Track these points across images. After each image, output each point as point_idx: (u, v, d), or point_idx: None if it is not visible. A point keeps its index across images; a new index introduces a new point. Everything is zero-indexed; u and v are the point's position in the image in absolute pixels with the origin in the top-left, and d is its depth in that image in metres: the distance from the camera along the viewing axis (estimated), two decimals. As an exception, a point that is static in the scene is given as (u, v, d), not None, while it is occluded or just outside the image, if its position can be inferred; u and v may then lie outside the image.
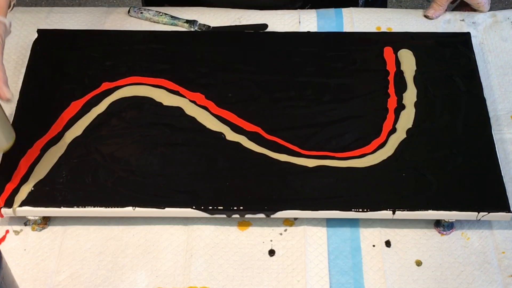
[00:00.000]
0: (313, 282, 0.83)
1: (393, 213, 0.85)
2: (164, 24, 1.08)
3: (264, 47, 1.02)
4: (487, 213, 0.85)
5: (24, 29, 1.06)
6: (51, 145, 0.90)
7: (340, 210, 0.85)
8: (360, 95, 0.96)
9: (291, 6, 1.11)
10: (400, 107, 0.94)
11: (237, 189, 0.86)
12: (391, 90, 0.96)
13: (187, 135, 0.91)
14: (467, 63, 0.99)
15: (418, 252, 0.86)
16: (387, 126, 0.93)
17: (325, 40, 1.03)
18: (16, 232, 0.87)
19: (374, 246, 0.86)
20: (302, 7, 1.12)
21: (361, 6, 1.16)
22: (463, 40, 1.02)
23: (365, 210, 0.85)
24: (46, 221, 0.87)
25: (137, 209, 0.85)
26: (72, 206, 0.84)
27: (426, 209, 0.85)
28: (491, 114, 0.95)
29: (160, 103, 0.94)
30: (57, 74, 0.97)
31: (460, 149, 0.90)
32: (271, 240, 0.87)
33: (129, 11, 1.09)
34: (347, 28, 1.08)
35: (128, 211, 0.85)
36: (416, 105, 0.95)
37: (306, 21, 1.08)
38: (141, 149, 0.90)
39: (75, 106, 0.94)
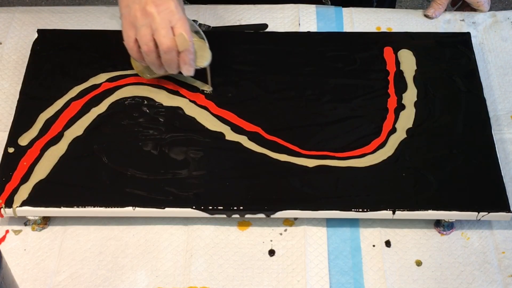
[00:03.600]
0: (313, 282, 0.83)
1: (393, 213, 0.85)
2: (164, 24, 1.08)
3: (264, 47, 1.02)
4: (487, 213, 0.85)
5: (24, 29, 1.06)
6: (51, 145, 0.90)
7: (340, 210, 0.85)
8: (360, 95, 0.96)
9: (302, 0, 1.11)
10: (400, 107, 0.94)
11: (237, 189, 0.86)
12: (391, 90, 0.96)
13: (187, 135, 0.91)
14: (467, 63, 0.99)
15: (418, 252, 0.86)
16: (387, 126, 0.93)
17: (325, 40, 1.03)
18: (16, 232, 0.87)
19: (374, 246, 0.86)
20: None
21: (375, 7, 1.15)
22: (463, 40, 1.02)
23: (365, 210, 0.85)
24: (46, 221, 0.87)
25: (137, 209, 0.85)
26: (72, 206, 0.84)
27: (426, 209, 0.85)
28: (491, 114, 0.95)
29: (160, 103, 0.94)
30: (57, 74, 0.97)
31: (460, 149, 0.90)
32: (271, 240, 0.87)
33: (129, 11, 1.09)
34: (347, 28, 1.08)
35: (128, 211, 0.85)
36: (416, 105, 0.95)
37: (306, 22, 1.08)
38: (141, 149, 0.90)
39: (75, 106, 0.94)
